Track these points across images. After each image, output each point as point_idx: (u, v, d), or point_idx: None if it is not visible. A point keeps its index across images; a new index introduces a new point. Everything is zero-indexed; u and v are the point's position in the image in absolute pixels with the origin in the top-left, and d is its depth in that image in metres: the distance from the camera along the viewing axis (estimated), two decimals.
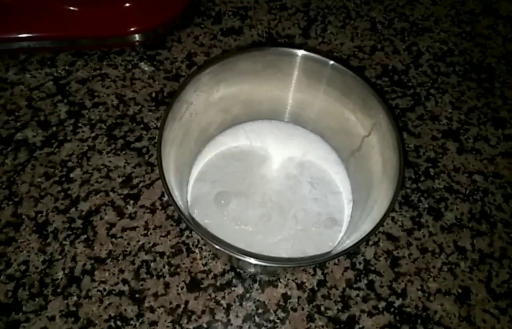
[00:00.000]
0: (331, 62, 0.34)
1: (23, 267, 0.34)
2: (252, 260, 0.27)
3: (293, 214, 0.36)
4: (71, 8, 0.45)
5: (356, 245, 0.28)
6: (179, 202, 0.30)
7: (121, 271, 0.34)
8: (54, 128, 0.41)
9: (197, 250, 0.35)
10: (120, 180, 0.39)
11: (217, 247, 0.27)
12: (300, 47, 0.35)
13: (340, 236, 0.35)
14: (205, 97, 0.36)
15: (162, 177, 0.29)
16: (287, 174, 0.38)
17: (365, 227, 0.30)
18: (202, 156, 0.39)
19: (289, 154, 0.39)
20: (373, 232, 0.28)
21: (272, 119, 0.41)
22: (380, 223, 0.28)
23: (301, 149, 0.40)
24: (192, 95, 0.34)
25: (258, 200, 0.37)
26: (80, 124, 0.42)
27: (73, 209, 0.37)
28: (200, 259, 0.35)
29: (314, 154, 0.39)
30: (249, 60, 0.35)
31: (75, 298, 0.33)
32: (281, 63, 0.36)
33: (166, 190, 0.28)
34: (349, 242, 0.31)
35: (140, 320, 0.32)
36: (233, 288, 0.34)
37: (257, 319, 0.33)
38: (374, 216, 0.30)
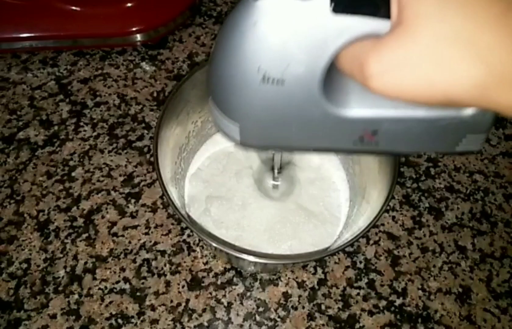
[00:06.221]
0: None
1: (24, 265, 0.34)
2: (251, 258, 0.27)
3: (292, 212, 0.36)
4: (73, 8, 0.45)
5: (353, 241, 0.29)
6: (176, 201, 0.30)
7: (122, 269, 0.34)
8: (56, 127, 0.42)
9: (198, 249, 0.35)
10: (121, 179, 0.39)
11: (215, 245, 0.27)
12: None
13: (338, 233, 0.36)
14: (202, 95, 0.35)
15: (159, 179, 0.29)
16: (286, 172, 0.38)
17: (362, 224, 0.30)
18: (199, 155, 0.39)
19: (288, 153, 0.39)
20: (368, 228, 0.28)
21: None
22: (376, 219, 0.28)
23: None
24: (189, 93, 0.34)
25: (256, 199, 0.37)
26: (81, 123, 0.42)
27: (75, 207, 0.37)
28: (201, 257, 0.35)
29: (312, 152, 0.40)
30: None
31: (76, 296, 0.33)
32: None
33: (164, 189, 0.28)
34: (346, 239, 0.32)
35: (141, 318, 0.32)
36: (234, 287, 0.34)
37: (257, 318, 0.33)
38: (370, 214, 0.30)
